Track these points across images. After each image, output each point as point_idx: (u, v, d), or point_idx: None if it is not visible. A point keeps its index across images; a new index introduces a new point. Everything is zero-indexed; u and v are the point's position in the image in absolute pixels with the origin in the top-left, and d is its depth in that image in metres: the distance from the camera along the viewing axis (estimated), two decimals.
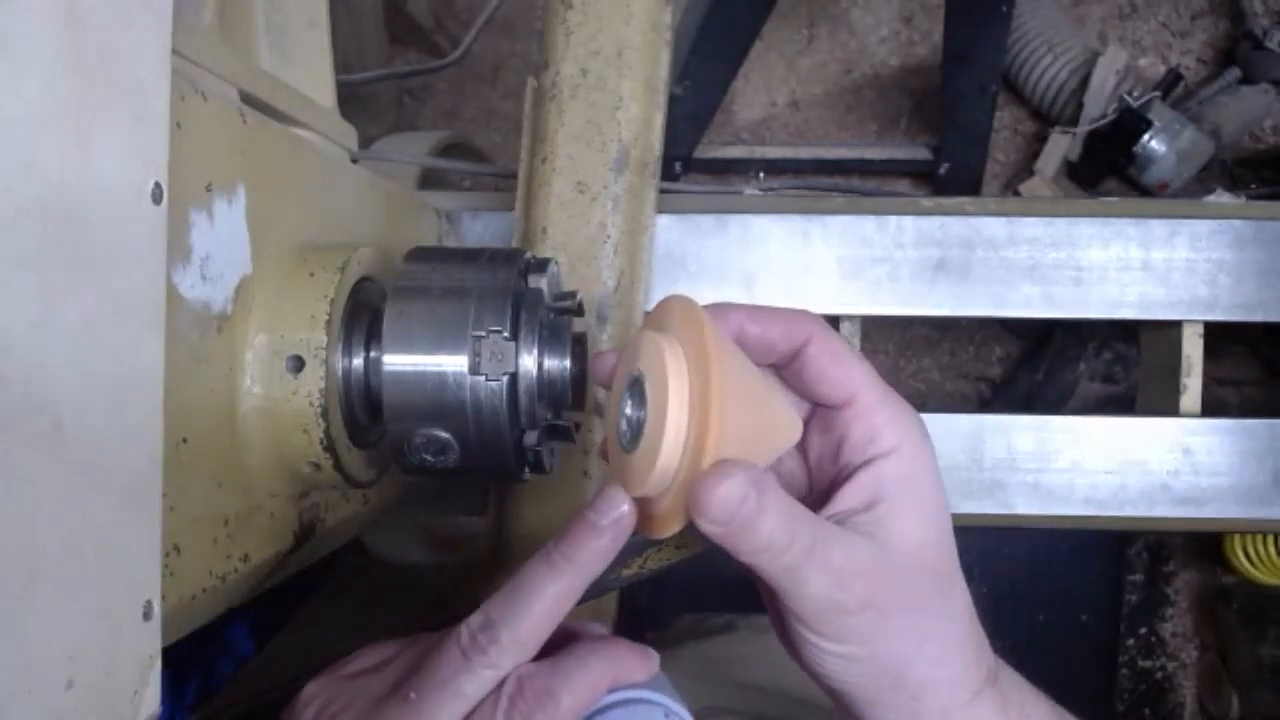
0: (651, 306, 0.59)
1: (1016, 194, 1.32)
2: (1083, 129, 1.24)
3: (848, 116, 1.40)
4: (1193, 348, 0.66)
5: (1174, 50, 1.37)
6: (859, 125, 1.40)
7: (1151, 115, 1.21)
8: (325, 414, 0.40)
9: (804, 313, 0.35)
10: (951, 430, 0.65)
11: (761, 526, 0.30)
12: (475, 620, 0.33)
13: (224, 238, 0.38)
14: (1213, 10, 1.36)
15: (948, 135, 1.24)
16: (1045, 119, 1.33)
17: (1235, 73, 1.26)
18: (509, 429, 0.41)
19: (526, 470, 0.44)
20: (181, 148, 0.33)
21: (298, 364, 0.40)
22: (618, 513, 0.33)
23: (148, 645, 0.30)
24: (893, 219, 0.65)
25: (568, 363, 0.42)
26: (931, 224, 0.65)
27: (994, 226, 0.65)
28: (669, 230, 0.65)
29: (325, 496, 0.48)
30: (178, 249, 0.34)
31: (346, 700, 0.35)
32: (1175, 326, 0.67)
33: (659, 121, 0.59)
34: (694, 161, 1.30)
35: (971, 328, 1.34)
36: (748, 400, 0.32)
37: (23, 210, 0.25)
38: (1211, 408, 0.67)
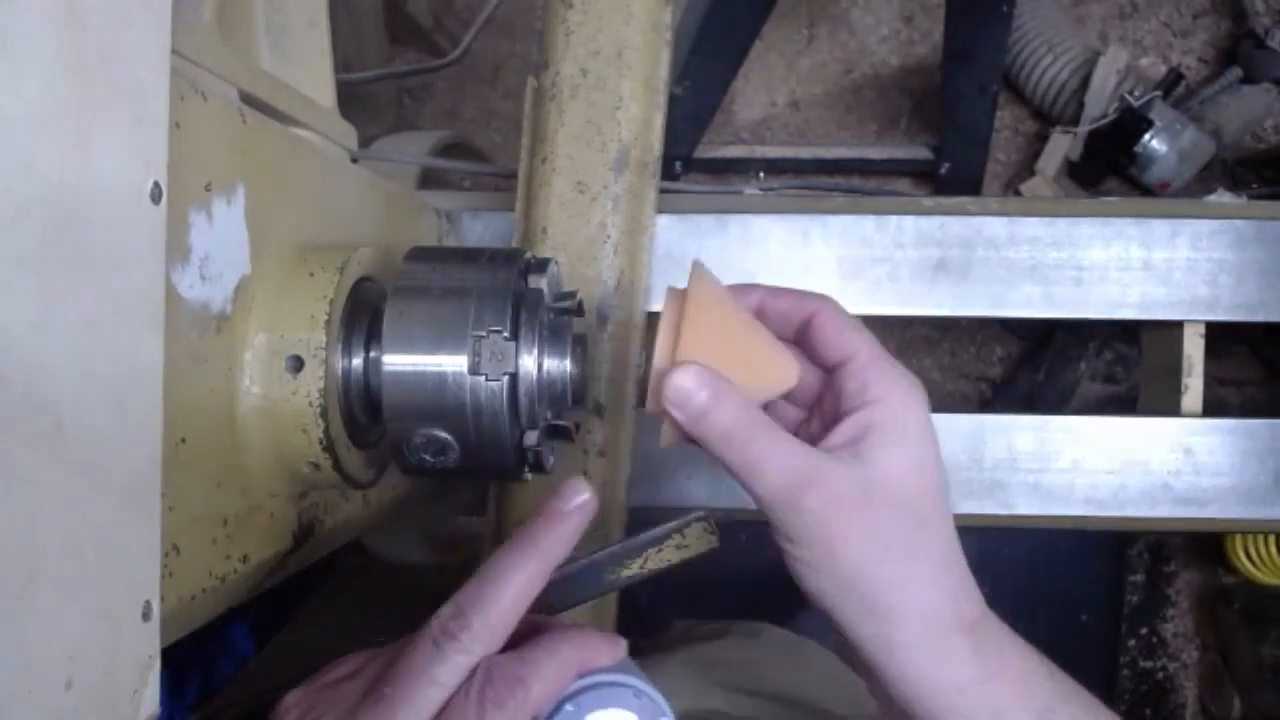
0: (652, 306, 0.60)
1: (1017, 194, 1.32)
2: (1084, 129, 1.24)
3: (848, 116, 1.40)
4: (1194, 348, 0.66)
5: (1175, 50, 1.36)
6: (859, 125, 1.40)
7: (1152, 115, 1.21)
8: (324, 414, 0.40)
9: (815, 293, 0.41)
10: (952, 430, 0.65)
11: (717, 418, 0.36)
12: (446, 610, 0.34)
13: (223, 238, 0.38)
14: (1214, 9, 1.36)
15: (948, 135, 1.23)
16: (1046, 119, 1.33)
17: (1236, 72, 1.26)
18: (509, 429, 0.41)
19: (526, 470, 0.44)
20: (181, 147, 0.33)
21: (297, 364, 0.40)
22: (580, 499, 0.37)
23: (147, 645, 0.30)
24: (893, 219, 0.65)
25: (568, 363, 0.42)
26: (932, 224, 0.65)
27: (995, 226, 0.65)
28: (669, 230, 0.65)
29: (325, 497, 0.48)
30: (177, 249, 0.34)
31: (325, 707, 0.36)
32: (1176, 326, 0.67)
33: (659, 121, 0.59)
34: (694, 161, 1.30)
35: (972, 328, 1.34)
36: (727, 335, 0.38)
37: (23, 210, 0.25)
38: (1213, 408, 0.67)
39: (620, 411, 0.56)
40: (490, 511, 0.60)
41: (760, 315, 0.41)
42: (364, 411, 0.44)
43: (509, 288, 0.42)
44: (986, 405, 1.33)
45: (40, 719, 0.25)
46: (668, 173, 0.74)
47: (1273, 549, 1.08)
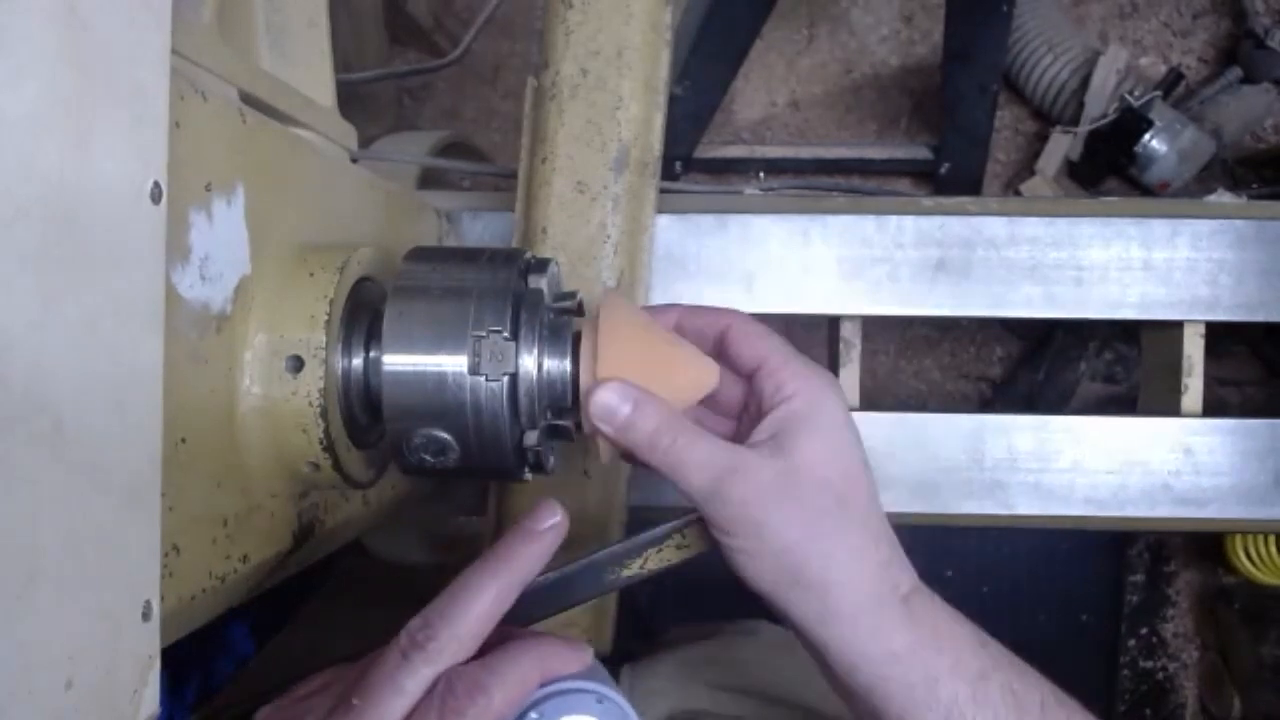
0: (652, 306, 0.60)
1: (1017, 194, 1.32)
2: (1084, 128, 1.24)
3: (848, 116, 1.40)
4: (1194, 348, 0.66)
5: (1175, 49, 1.36)
6: (859, 125, 1.40)
7: (1152, 115, 1.21)
8: (324, 414, 0.40)
9: (728, 308, 0.45)
10: (952, 430, 0.65)
11: (641, 426, 0.39)
12: (415, 623, 0.35)
13: (223, 238, 0.38)
14: (1214, 9, 1.36)
15: (948, 135, 1.23)
16: (1046, 118, 1.33)
17: (1236, 72, 1.26)
18: (509, 429, 0.41)
19: (527, 470, 0.44)
20: (181, 147, 0.33)
21: (297, 364, 0.40)
22: (553, 520, 0.38)
23: (147, 645, 0.30)
24: (893, 219, 0.65)
25: (568, 363, 0.42)
26: (932, 224, 0.65)
27: (995, 226, 0.65)
28: (669, 230, 0.65)
29: (325, 497, 0.48)
30: (177, 249, 0.34)
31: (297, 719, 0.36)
32: (1176, 326, 0.67)
33: (659, 121, 0.59)
34: (694, 161, 1.30)
35: (972, 328, 1.34)
36: (643, 350, 0.41)
37: (23, 210, 0.25)
38: (1213, 408, 0.67)
39: None
40: (490, 511, 0.60)
41: (680, 333, 0.44)
42: (364, 411, 0.44)
43: (509, 288, 0.42)
44: (986, 405, 1.33)
45: (40, 719, 0.26)
46: (668, 173, 0.74)
47: (1273, 549, 1.07)
